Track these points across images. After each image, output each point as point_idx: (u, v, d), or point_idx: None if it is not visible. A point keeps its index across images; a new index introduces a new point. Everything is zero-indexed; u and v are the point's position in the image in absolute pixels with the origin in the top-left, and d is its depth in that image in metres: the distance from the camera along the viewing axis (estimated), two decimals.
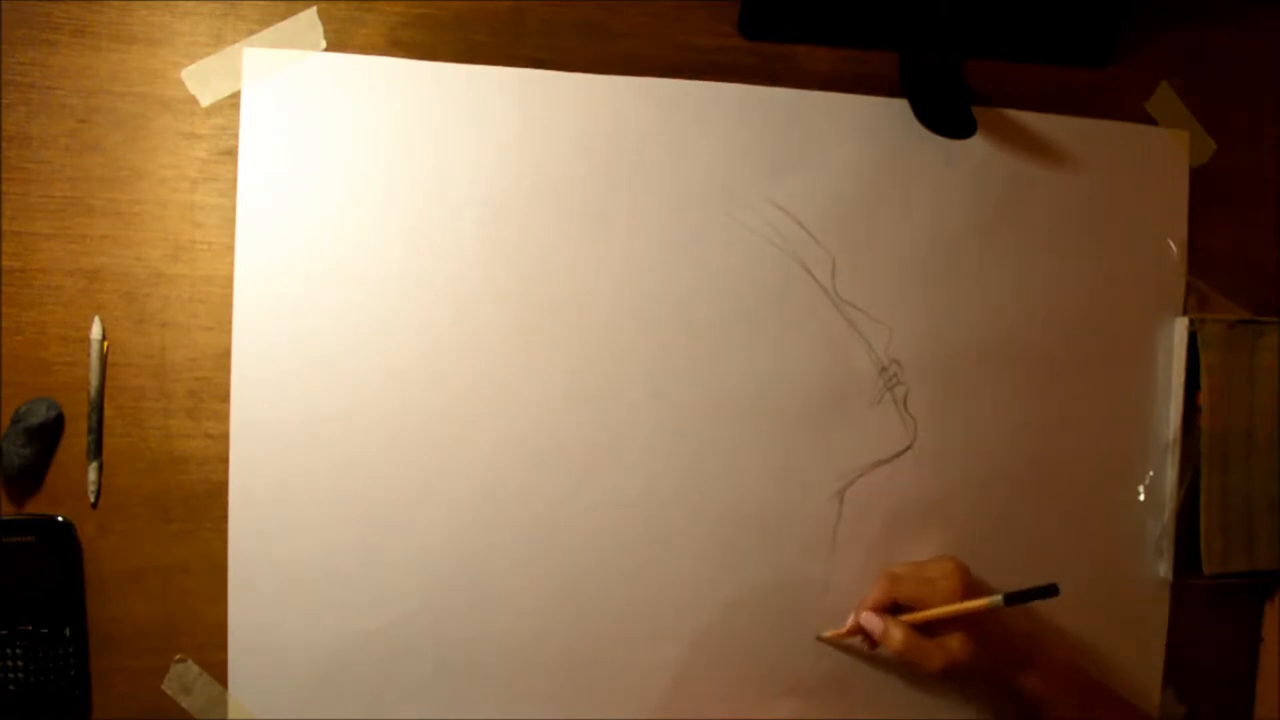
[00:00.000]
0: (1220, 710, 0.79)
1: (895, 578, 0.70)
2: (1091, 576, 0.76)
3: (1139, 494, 0.77)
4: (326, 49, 0.66)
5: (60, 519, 0.63)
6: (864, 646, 0.71)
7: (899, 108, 0.72)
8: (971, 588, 0.69)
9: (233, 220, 0.65)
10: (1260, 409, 0.77)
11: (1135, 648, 0.76)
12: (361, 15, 0.67)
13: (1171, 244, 0.77)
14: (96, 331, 0.64)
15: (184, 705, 0.66)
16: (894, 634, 0.68)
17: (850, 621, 0.71)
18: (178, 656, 0.66)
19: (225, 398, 0.65)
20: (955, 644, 0.67)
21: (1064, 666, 0.70)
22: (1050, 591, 0.66)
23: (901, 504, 0.73)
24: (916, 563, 0.72)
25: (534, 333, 0.68)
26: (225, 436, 0.65)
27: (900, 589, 0.69)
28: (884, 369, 0.73)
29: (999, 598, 0.66)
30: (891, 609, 0.70)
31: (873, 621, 0.69)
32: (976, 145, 0.73)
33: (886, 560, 0.73)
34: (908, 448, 0.74)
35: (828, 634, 0.72)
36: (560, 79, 0.68)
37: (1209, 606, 0.78)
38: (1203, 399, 0.76)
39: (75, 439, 0.64)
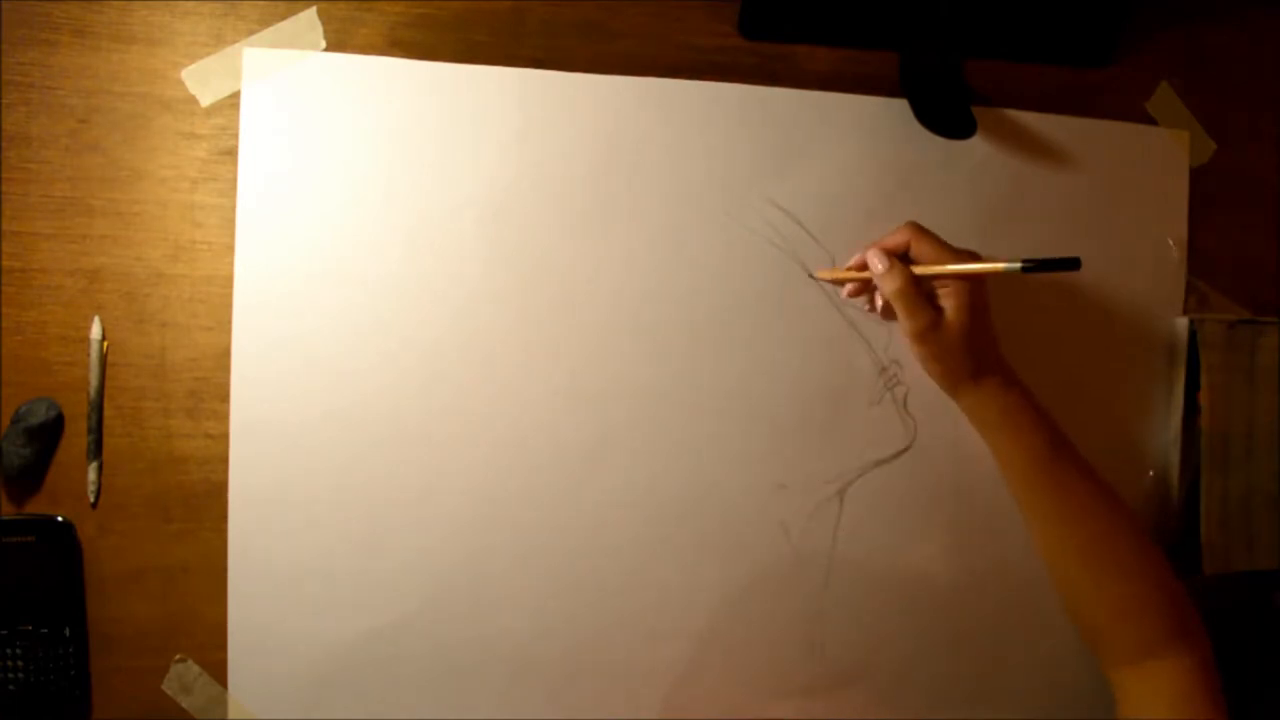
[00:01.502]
0: None
1: (920, 231, 0.67)
2: None
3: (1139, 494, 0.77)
4: (326, 49, 0.66)
5: (60, 519, 0.63)
6: (851, 293, 0.70)
7: (899, 108, 0.72)
8: (980, 279, 0.67)
9: (233, 220, 0.65)
10: (1260, 409, 0.77)
11: None
12: (361, 15, 0.67)
13: (1171, 244, 0.77)
14: (96, 331, 0.64)
15: (184, 705, 0.66)
16: (894, 276, 0.66)
17: (855, 259, 0.69)
18: (178, 656, 0.66)
19: (225, 398, 0.65)
20: (950, 308, 0.65)
21: (1022, 396, 0.68)
22: (1072, 264, 0.61)
23: (901, 504, 0.73)
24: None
25: (534, 333, 0.68)
26: (225, 436, 0.65)
27: (919, 242, 0.67)
28: (884, 369, 0.73)
29: (1016, 263, 0.62)
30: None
31: (878, 258, 0.67)
32: (976, 145, 0.73)
33: (886, 560, 0.73)
34: (908, 448, 0.73)
35: (822, 272, 0.71)
36: (560, 79, 0.68)
37: (1209, 607, 0.78)
38: (1203, 399, 0.76)
39: (75, 439, 0.64)
